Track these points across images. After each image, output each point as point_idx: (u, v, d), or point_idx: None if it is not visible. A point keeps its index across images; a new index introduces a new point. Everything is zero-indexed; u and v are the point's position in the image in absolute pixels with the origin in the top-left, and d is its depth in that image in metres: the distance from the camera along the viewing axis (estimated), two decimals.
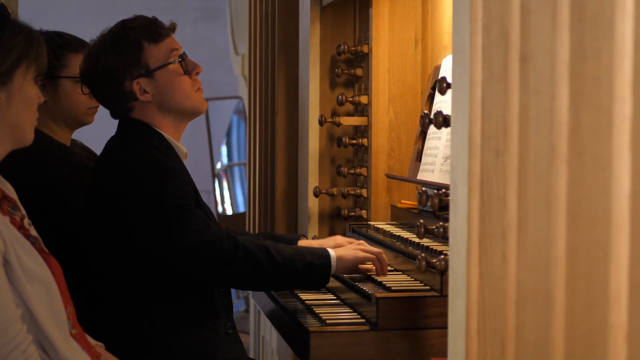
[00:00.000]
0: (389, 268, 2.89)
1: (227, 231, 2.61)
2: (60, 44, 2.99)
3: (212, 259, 2.55)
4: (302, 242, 2.95)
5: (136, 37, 2.68)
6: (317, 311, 2.68)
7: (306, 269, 2.62)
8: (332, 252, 2.66)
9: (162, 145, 2.68)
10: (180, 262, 2.56)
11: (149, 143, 2.66)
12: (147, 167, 2.59)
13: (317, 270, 2.63)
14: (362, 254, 2.70)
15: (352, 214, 3.51)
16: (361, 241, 2.88)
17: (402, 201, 3.35)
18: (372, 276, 2.73)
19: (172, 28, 2.76)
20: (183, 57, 2.73)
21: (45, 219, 2.76)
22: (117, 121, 2.80)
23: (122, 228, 2.58)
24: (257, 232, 4.51)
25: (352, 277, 2.79)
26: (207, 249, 2.54)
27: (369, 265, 2.73)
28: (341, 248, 2.72)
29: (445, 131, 2.92)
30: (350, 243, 2.85)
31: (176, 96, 2.71)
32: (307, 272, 2.62)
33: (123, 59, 2.67)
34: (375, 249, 2.75)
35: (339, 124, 3.45)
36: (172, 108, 2.72)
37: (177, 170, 2.61)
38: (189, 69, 2.74)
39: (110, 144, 2.73)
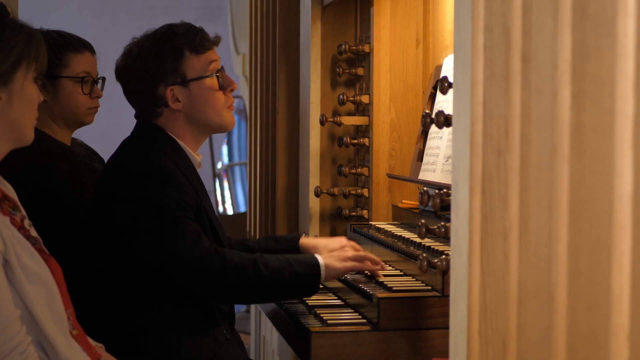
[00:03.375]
0: (390, 268, 2.89)
1: (216, 247, 2.58)
2: (61, 43, 2.98)
3: (200, 275, 2.54)
4: (305, 240, 2.93)
5: (179, 43, 2.67)
6: (318, 311, 2.68)
7: (296, 279, 2.59)
8: (320, 260, 2.63)
9: (174, 152, 2.66)
10: (169, 271, 2.54)
11: (160, 149, 2.64)
12: (151, 172, 2.58)
13: (307, 279, 2.61)
14: (350, 264, 2.67)
15: (354, 213, 3.51)
16: (352, 243, 2.88)
17: (403, 201, 3.35)
18: (360, 284, 2.70)
19: (217, 42, 2.74)
20: (220, 72, 2.71)
21: (46, 218, 2.76)
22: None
23: (119, 230, 2.57)
24: (257, 232, 4.51)
25: (354, 277, 2.78)
26: (195, 264, 2.53)
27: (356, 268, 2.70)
28: (329, 255, 2.69)
29: (446, 131, 2.91)
30: (352, 247, 2.85)
31: (207, 110, 2.69)
32: (296, 282, 2.60)
33: (162, 63, 2.66)
34: (361, 254, 2.72)
35: (340, 124, 3.45)
36: (201, 121, 2.70)
37: (178, 178, 2.59)
38: (224, 84, 2.72)
39: (123, 146, 2.72)
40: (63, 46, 2.98)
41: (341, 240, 2.90)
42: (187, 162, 2.69)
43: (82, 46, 3.02)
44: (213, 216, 2.71)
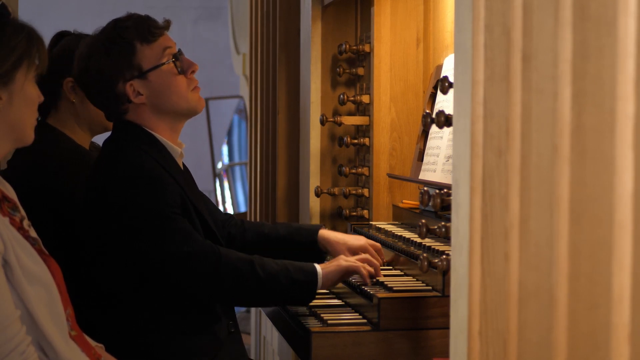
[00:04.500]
0: (390, 268, 2.88)
1: (211, 244, 2.56)
2: None
3: (194, 271, 2.52)
4: (325, 233, 2.90)
5: (128, 37, 2.62)
6: (318, 311, 2.67)
7: (291, 285, 2.57)
8: (318, 267, 2.61)
9: (153, 149, 2.63)
10: (164, 270, 2.53)
11: (139, 148, 2.61)
12: (132, 174, 2.55)
13: (303, 286, 2.58)
14: (344, 264, 2.63)
15: (354, 213, 3.51)
16: (370, 242, 2.86)
17: (403, 201, 3.34)
18: (362, 286, 2.68)
19: (166, 26, 2.68)
20: (177, 56, 2.66)
21: (55, 220, 2.75)
22: None
23: (113, 234, 2.55)
24: None
25: (354, 277, 2.78)
26: (188, 260, 2.51)
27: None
28: (327, 264, 2.64)
29: (447, 131, 2.91)
30: (372, 246, 2.82)
31: (172, 97, 2.65)
32: (292, 288, 2.57)
33: (115, 61, 2.61)
34: (358, 265, 2.65)
35: (340, 124, 3.45)
36: (168, 109, 2.66)
37: (161, 177, 2.56)
38: (184, 68, 2.66)
39: (104, 148, 2.70)
40: None
41: (360, 239, 2.87)
42: (168, 157, 2.65)
43: None
44: (203, 209, 2.68)
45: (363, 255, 2.71)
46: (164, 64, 2.64)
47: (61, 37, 3.03)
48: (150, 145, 2.63)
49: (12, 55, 2.11)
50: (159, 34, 2.66)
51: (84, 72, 2.65)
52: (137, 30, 2.63)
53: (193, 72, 2.70)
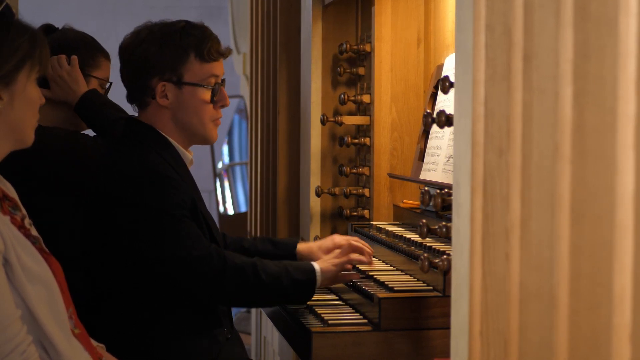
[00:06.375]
0: (391, 268, 2.88)
1: (217, 248, 2.59)
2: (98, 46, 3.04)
3: (200, 275, 2.54)
4: (302, 247, 2.93)
5: (187, 45, 2.64)
6: (319, 312, 2.67)
7: (292, 285, 2.62)
8: (316, 266, 2.66)
9: (166, 151, 2.65)
10: (168, 272, 2.54)
11: (151, 148, 2.63)
12: (145, 173, 2.57)
13: (303, 286, 2.64)
14: (339, 260, 2.70)
15: (355, 213, 3.50)
16: (355, 238, 2.88)
17: (404, 201, 3.34)
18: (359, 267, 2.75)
19: (225, 54, 2.72)
20: (217, 88, 2.68)
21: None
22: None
23: (119, 232, 2.56)
24: (258, 232, 4.51)
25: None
26: (195, 264, 2.53)
27: (349, 274, 2.73)
28: (321, 260, 2.72)
29: (448, 130, 2.91)
30: (348, 242, 2.84)
31: (193, 118, 2.68)
32: (293, 288, 2.63)
33: (163, 58, 2.64)
34: (347, 249, 2.76)
35: (341, 123, 3.45)
36: (184, 125, 2.68)
37: (174, 178, 2.58)
38: (217, 99, 2.69)
39: (112, 147, 2.71)
40: (99, 49, 3.04)
41: (333, 238, 2.90)
42: (179, 160, 2.67)
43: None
44: (207, 214, 2.70)
45: (353, 245, 2.79)
46: (202, 86, 2.67)
47: (48, 30, 3.04)
48: (162, 147, 2.65)
49: (14, 56, 2.11)
50: (216, 58, 2.68)
51: (131, 52, 2.67)
52: (197, 43, 2.65)
53: (222, 106, 2.72)
